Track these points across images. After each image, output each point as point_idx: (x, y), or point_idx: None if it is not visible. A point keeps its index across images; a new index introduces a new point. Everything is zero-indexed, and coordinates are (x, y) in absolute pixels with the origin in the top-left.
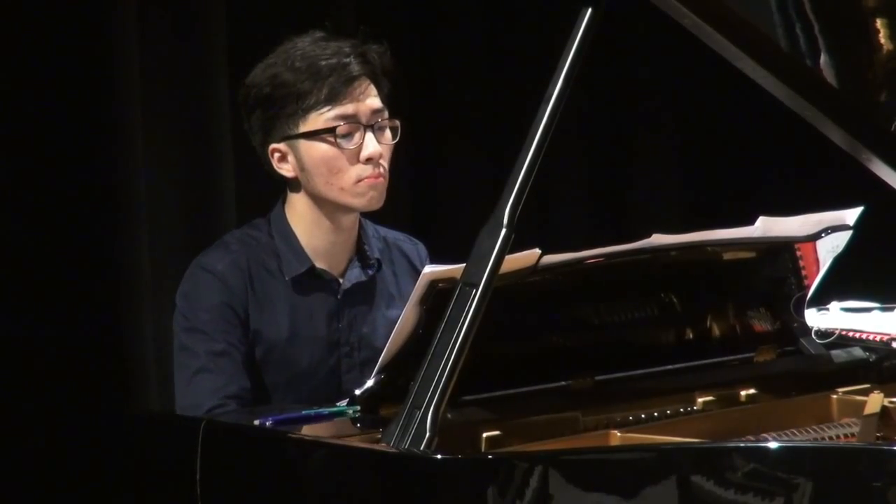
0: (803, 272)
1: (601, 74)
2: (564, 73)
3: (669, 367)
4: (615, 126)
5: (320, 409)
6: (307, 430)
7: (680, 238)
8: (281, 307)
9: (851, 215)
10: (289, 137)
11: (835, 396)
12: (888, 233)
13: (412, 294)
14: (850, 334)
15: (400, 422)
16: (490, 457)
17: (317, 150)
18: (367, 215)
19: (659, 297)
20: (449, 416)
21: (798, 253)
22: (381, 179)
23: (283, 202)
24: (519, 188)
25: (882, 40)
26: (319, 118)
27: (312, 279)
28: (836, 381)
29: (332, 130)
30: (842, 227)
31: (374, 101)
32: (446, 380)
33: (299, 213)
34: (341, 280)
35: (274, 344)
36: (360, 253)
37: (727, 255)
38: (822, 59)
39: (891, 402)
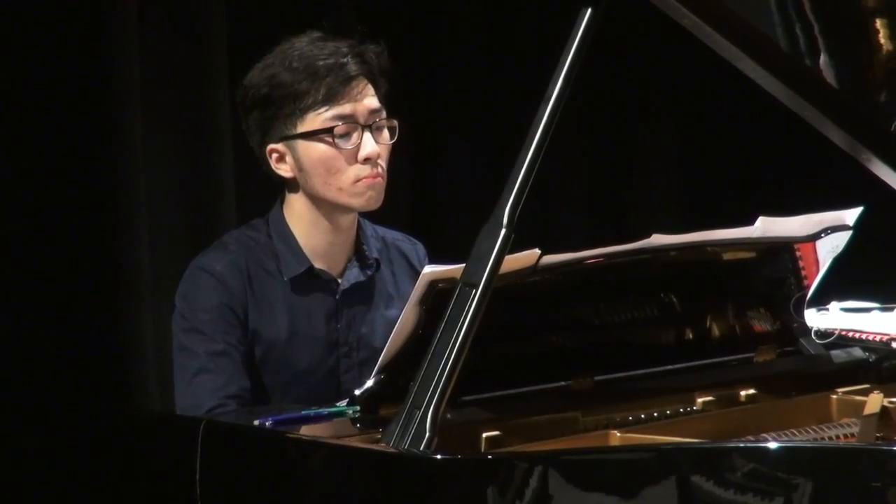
0: (803, 272)
1: (601, 74)
2: (564, 73)
3: (669, 367)
4: (615, 126)
5: (320, 410)
6: (307, 431)
7: (680, 238)
8: (280, 307)
9: (851, 215)
10: (287, 138)
11: (834, 397)
12: (888, 233)
13: (412, 294)
14: (850, 334)
15: (400, 422)
16: (490, 457)
17: (315, 151)
18: (366, 215)
19: (659, 297)
20: (449, 416)
21: (798, 253)
22: (380, 179)
23: (282, 202)
24: (519, 188)
25: (882, 40)
26: (317, 118)
27: (311, 279)
28: (836, 382)
29: (329, 130)
30: (841, 228)
31: (371, 100)
32: (446, 380)
33: (298, 213)
34: (340, 280)
35: (273, 344)
36: (358, 253)
37: (727, 256)
38: (822, 59)
39: (890, 403)
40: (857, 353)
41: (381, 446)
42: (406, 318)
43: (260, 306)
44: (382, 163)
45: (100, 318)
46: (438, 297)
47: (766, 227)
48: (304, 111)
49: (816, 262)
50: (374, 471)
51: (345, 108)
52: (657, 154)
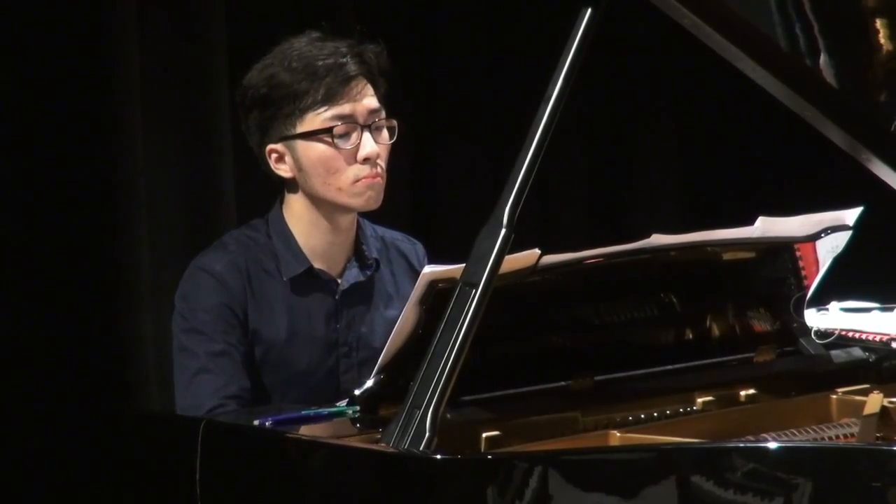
0: (803, 272)
1: (601, 74)
2: (564, 72)
3: (669, 367)
4: (615, 126)
5: (320, 410)
6: (306, 431)
7: (679, 238)
8: (279, 307)
9: (851, 215)
10: (286, 138)
11: (834, 397)
12: (888, 233)
13: (412, 294)
14: (850, 334)
15: (399, 422)
16: (489, 457)
17: (314, 151)
18: (365, 215)
19: (658, 297)
20: (448, 416)
21: (798, 253)
22: (379, 179)
23: (281, 203)
24: (518, 188)
25: (882, 40)
26: (316, 118)
27: (310, 279)
28: (836, 382)
29: (329, 131)
30: (841, 228)
31: (370, 100)
32: (446, 380)
33: (297, 213)
34: (339, 280)
35: (272, 344)
36: (357, 253)
37: (727, 256)
38: (822, 59)
39: (890, 403)
40: (857, 353)
41: (381, 446)
42: (406, 318)
43: (260, 306)
44: (382, 163)
45: (100, 318)
46: (438, 297)
47: (766, 227)
48: (304, 111)
49: (816, 262)
50: (374, 471)
51: (344, 108)
52: (657, 154)
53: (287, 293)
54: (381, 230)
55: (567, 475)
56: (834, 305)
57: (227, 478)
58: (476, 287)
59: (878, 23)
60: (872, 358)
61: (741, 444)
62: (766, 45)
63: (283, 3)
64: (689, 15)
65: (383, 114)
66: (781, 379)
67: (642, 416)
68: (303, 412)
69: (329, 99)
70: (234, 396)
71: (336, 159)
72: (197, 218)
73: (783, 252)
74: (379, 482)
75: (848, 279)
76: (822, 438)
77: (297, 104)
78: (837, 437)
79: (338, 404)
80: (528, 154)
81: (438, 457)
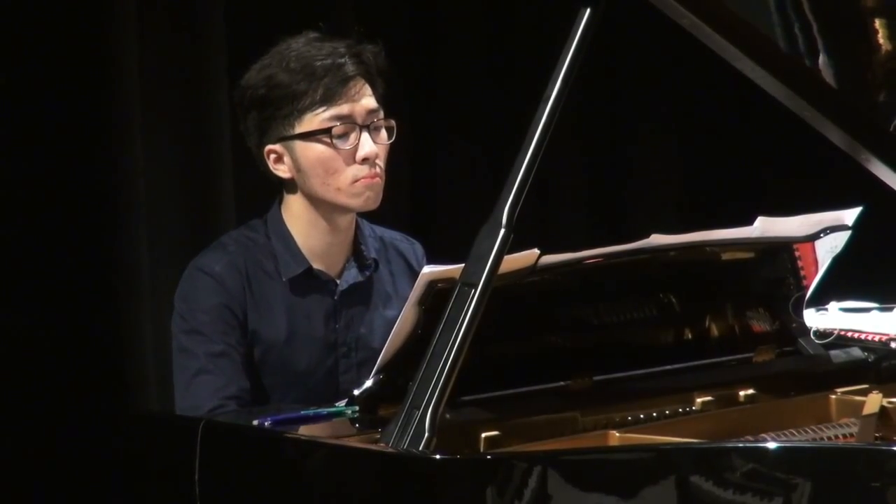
0: (802, 272)
1: (601, 74)
2: (563, 72)
3: (668, 367)
4: (614, 126)
5: (319, 410)
6: (306, 431)
7: (679, 238)
8: (278, 308)
9: (850, 215)
10: (284, 138)
11: (833, 397)
12: (887, 233)
13: (411, 294)
14: (849, 334)
15: (399, 422)
16: (489, 457)
17: (313, 151)
18: (364, 215)
19: (658, 297)
20: (448, 416)
21: (797, 253)
22: (378, 179)
23: (280, 203)
24: (518, 188)
25: (881, 40)
26: (315, 119)
27: (309, 280)
28: (835, 382)
29: (327, 131)
30: (840, 228)
31: (369, 101)
32: (445, 380)
33: (296, 213)
34: (338, 281)
35: (272, 345)
36: (356, 253)
37: (726, 256)
38: (821, 59)
39: (889, 403)
40: (856, 353)
41: (380, 446)
42: (405, 318)
43: (259, 307)
44: (380, 163)
45: (100, 318)
46: (437, 297)
47: (765, 227)
48: (302, 112)
49: (815, 262)
50: (373, 471)
51: (342, 109)
52: (657, 154)
53: (286, 294)
54: (379, 230)
55: (566, 475)
56: (833, 305)
57: (227, 478)
58: (475, 287)
59: (878, 23)
60: (871, 358)
61: (740, 445)
62: (765, 45)
63: (282, 4)
64: (688, 15)
65: (382, 114)
66: (780, 379)
67: (641, 416)
68: (302, 412)
69: (327, 99)
70: (233, 397)
71: (335, 160)
72: (196, 218)
73: (782, 252)
74: (378, 482)
75: (847, 279)
76: (822, 438)
77: (296, 104)
78: (836, 437)
79: (337, 404)
80: (527, 154)
81: (438, 457)
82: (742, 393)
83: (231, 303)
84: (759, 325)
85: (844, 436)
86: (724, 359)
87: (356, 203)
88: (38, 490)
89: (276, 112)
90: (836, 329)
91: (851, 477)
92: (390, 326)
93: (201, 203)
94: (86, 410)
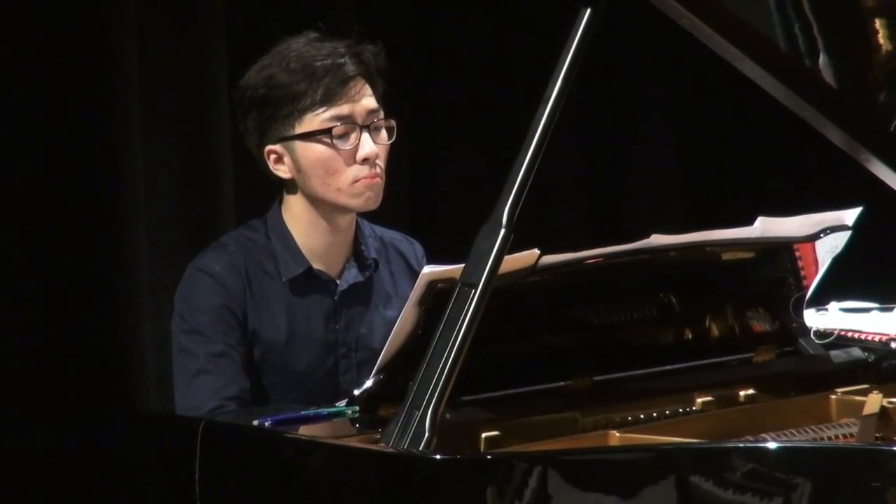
0: (802, 272)
1: (601, 74)
2: (563, 73)
3: (668, 367)
4: (614, 126)
5: (319, 410)
6: (306, 431)
7: (679, 238)
8: (278, 308)
9: (850, 215)
10: (285, 139)
11: (833, 397)
12: (887, 233)
13: (411, 294)
14: (849, 334)
15: (399, 422)
16: (489, 457)
17: (313, 152)
18: (364, 214)
19: (658, 297)
20: (448, 416)
21: (797, 253)
22: (378, 180)
23: (280, 203)
24: (518, 188)
25: (881, 40)
26: (315, 119)
27: (309, 280)
28: (835, 382)
29: (327, 131)
30: (840, 228)
31: (369, 101)
32: (445, 380)
33: (296, 214)
34: (338, 281)
35: (272, 345)
36: (356, 253)
37: (726, 256)
38: (821, 59)
39: (889, 403)
40: (857, 353)
41: (381, 446)
42: (405, 318)
43: (259, 307)
44: (381, 163)
45: (100, 318)
46: (438, 298)
47: (766, 227)
48: (302, 112)
49: (815, 262)
50: (373, 471)
51: (343, 109)
52: (657, 154)
53: (286, 294)
54: (379, 230)
55: (566, 475)
56: (833, 305)
57: (227, 478)
58: (475, 287)
59: (878, 23)
60: (871, 358)
61: (740, 445)
62: (765, 45)
63: (282, 4)
64: (688, 15)
65: (382, 114)
66: (781, 379)
67: (641, 416)
68: (302, 412)
69: (327, 99)
70: (233, 398)
71: (335, 160)
72: (196, 218)
73: (782, 252)
74: (378, 482)
75: (847, 279)
76: (822, 438)
77: (296, 105)
78: (837, 437)
79: (337, 404)
80: (527, 154)
81: (438, 457)
82: (742, 393)
83: (231, 303)
84: (760, 325)
85: (844, 436)
86: (724, 359)
87: (356, 203)
88: (39, 490)
89: (276, 112)
90: (836, 329)
91: (851, 477)
92: (390, 326)
93: (201, 203)
94: (86, 410)
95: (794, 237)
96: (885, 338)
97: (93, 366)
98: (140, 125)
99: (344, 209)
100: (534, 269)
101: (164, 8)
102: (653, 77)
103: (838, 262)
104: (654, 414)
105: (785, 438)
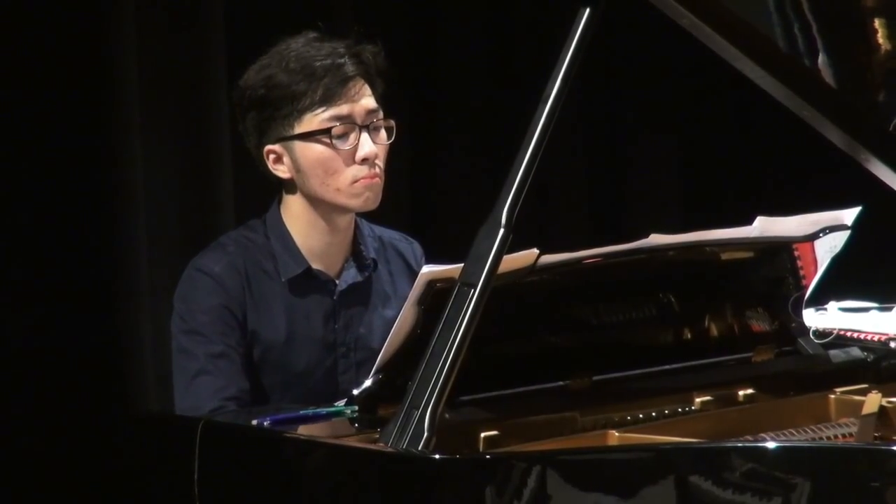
0: (801, 272)
1: (600, 74)
2: (563, 72)
3: (667, 367)
4: (614, 126)
5: (318, 409)
6: (305, 431)
7: (678, 238)
8: (278, 308)
9: (849, 215)
10: (284, 139)
11: (833, 396)
12: (887, 233)
13: (410, 294)
14: (848, 334)
15: (398, 422)
16: (488, 457)
17: (312, 152)
18: (364, 214)
19: (657, 297)
20: (447, 416)
21: (796, 253)
22: (377, 180)
23: (279, 203)
24: (517, 188)
25: (881, 40)
26: (314, 119)
27: (309, 280)
28: (834, 381)
29: (327, 131)
30: (840, 227)
31: (368, 101)
32: (444, 380)
33: (295, 214)
34: (337, 281)
35: (271, 345)
36: (355, 253)
37: (725, 255)
38: (821, 59)
39: (889, 402)
40: (856, 352)
41: (380, 446)
42: (404, 317)
43: (258, 307)
44: (380, 163)
45: (99, 319)
46: (437, 297)
47: (765, 226)
48: (302, 112)
49: (815, 261)
50: (373, 471)
51: (342, 109)
52: (656, 154)
53: (285, 294)
54: (378, 230)
55: (565, 475)
56: (832, 305)
57: (226, 478)
58: (474, 287)
59: (878, 23)
60: (871, 358)
61: (739, 444)
62: (765, 45)
63: (282, 4)
64: (688, 15)
65: (381, 114)
66: (780, 379)
67: (641, 415)
68: (301, 412)
69: (327, 100)
70: (233, 398)
71: (334, 160)
72: (195, 218)
73: (781, 252)
74: (377, 482)
75: (846, 279)
76: (821, 438)
77: (295, 105)
78: (836, 436)
79: (336, 404)
80: (526, 154)
81: (437, 457)
82: (741, 393)
83: (230, 303)
84: (759, 324)
85: (844, 436)
86: (723, 358)
87: (356, 203)
88: (39, 490)
89: (275, 112)
90: (835, 329)
91: (851, 477)
92: (389, 326)
93: (201, 203)
94: (85, 411)
95: (793, 237)
96: (884, 337)
97: (92, 366)
98: (140, 125)
99: (343, 209)
100: (533, 269)
101: (164, 8)
102: (653, 77)
103: (837, 261)
104: (654, 414)
105: (784, 438)
